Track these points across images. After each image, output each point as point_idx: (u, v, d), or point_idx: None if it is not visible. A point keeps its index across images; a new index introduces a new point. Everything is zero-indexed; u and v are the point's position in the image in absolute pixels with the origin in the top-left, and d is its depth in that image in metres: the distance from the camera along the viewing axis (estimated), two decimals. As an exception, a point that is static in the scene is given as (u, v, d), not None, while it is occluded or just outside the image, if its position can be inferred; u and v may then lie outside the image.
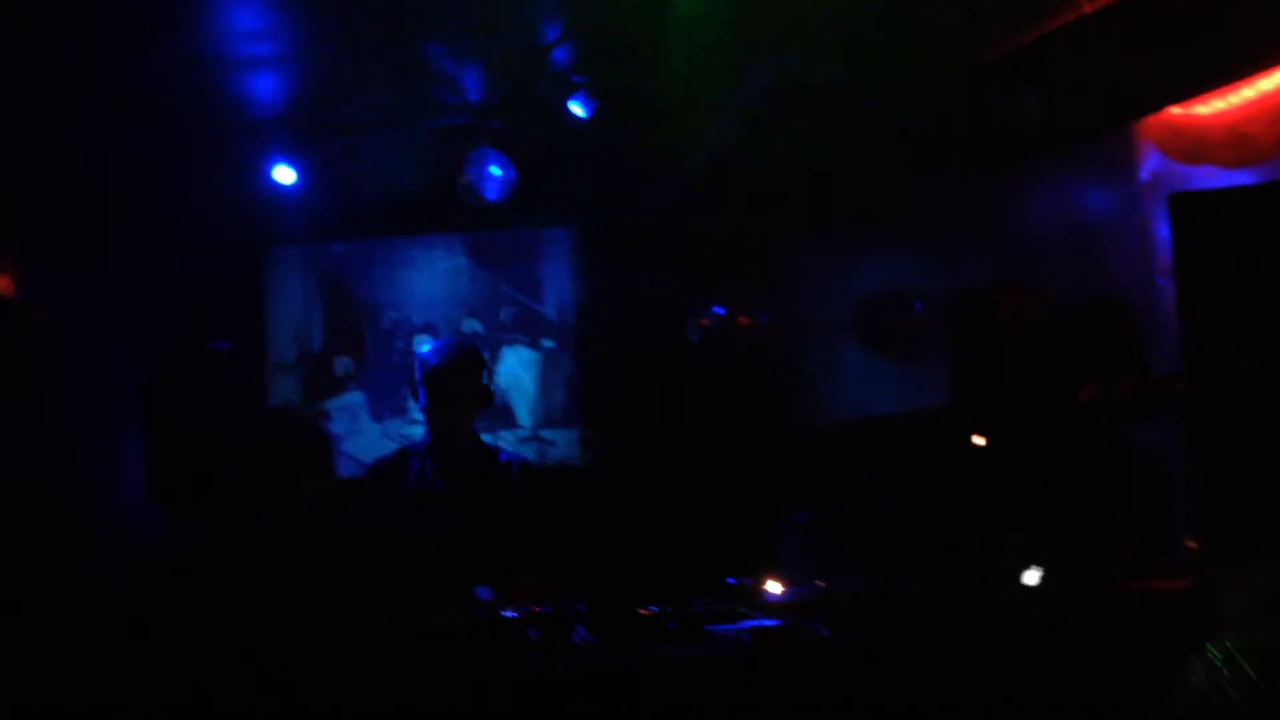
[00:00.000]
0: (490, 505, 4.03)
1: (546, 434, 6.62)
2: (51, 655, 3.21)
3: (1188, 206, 3.05)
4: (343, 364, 6.55)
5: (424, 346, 4.19)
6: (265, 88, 4.84)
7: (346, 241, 6.44)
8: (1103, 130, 4.19)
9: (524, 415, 6.63)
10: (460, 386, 4.04)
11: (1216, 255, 2.95)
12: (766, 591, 3.48)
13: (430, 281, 6.61)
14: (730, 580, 3.45)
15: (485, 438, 4.29)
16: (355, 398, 6.57)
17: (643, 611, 3.22)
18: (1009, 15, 4.01)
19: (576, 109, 5.07)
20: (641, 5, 4.26)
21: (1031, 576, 3.52)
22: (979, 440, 4.37)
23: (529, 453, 6.49)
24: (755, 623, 3.14)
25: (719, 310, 6.07)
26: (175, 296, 5.50)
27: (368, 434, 6.50)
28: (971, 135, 4.53)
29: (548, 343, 6.63)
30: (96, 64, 4.42)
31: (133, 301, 5.39)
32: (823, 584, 3.60)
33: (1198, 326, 2.97)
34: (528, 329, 6.62)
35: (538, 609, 3.32)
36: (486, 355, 4.28)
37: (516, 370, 6.64)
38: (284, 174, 5.10)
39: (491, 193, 5.46)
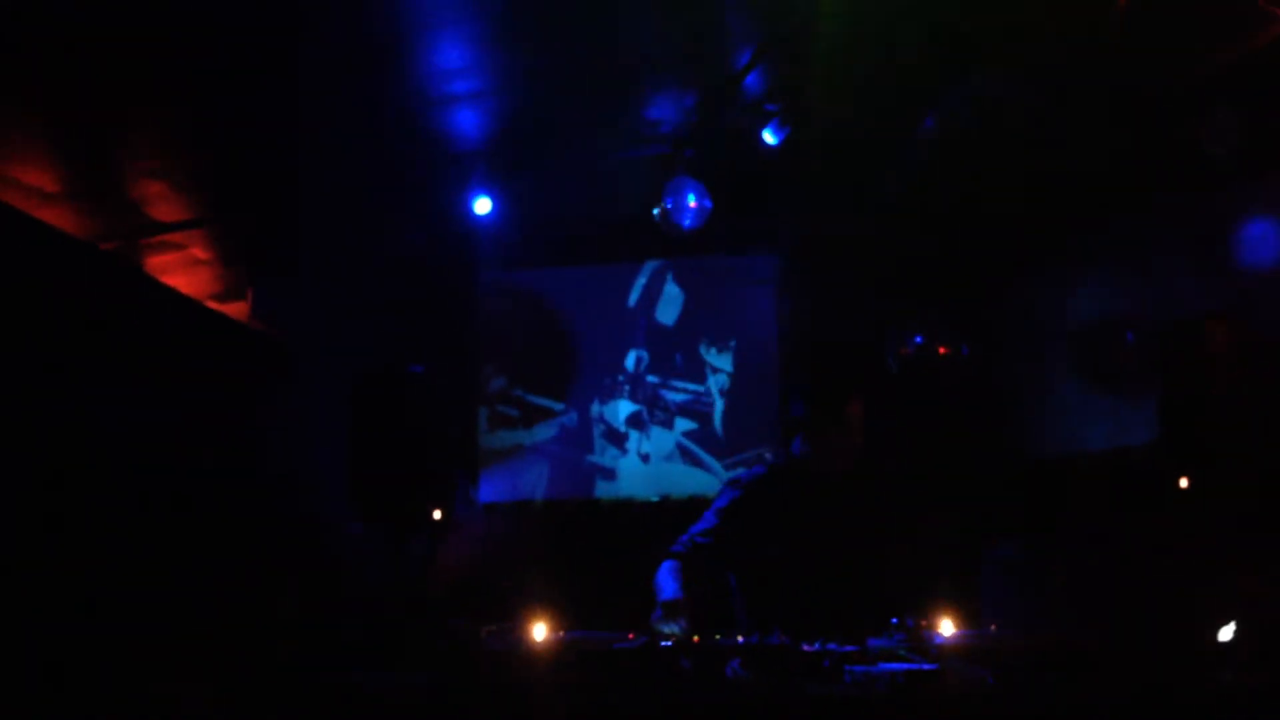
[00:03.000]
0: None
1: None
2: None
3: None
4: (547, 389, 6.73)
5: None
6: (468, 122, 5.07)
7: (549, 269, 6.63)
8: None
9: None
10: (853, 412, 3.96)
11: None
12: (934, 633, 3.36)
13: (635, 309, 6.73)
14: (894, 620, 3.35)
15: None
16: (556, 427, 6.72)
17: (802, 648, 3.19)
18: (1210, 32, 3.76)
19: (769, 137, 5.08)
20: (832, 31, 4.23)
21: (1227, 632, 3.27)
22: (1184, 481, 4.12)
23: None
24: (913, 665, 3.05)
25: (918, 340, 5.92)
26: (389, 319, 5.81)
27: (565, 464, 6.67)
28: (1179, 160, 4.27)
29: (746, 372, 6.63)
30: (317, 99, 4.73)
31: (348, 323, 5.73)
32: (995, 628, 3.45)
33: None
34: (728, 357, 6.64)
35: (696, 639, 3.34)
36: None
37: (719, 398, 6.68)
38: (483, 205, 5.32)
39: (688, 220, 5.52)
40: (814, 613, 3.46)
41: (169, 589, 4.10)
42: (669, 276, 6.69)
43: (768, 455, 4.22)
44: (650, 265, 6.68)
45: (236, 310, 6.17)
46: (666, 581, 3.81)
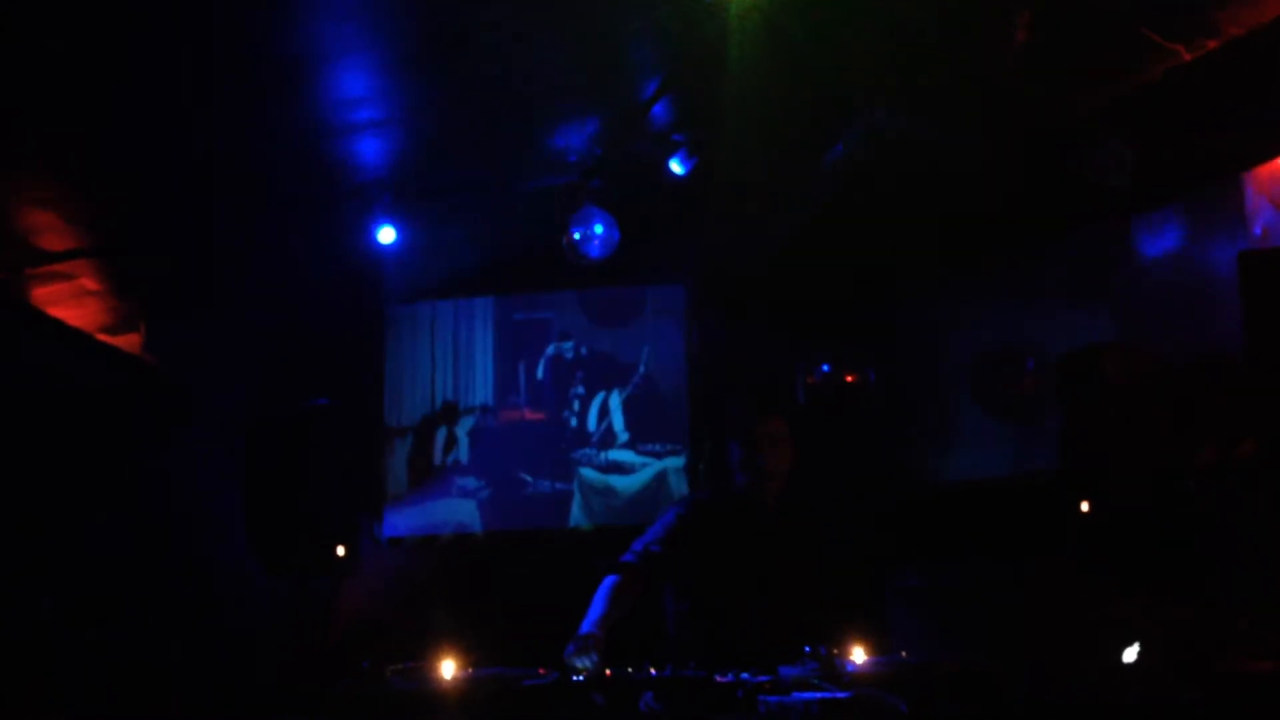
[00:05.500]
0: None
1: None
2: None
3: (1260, 264, 2.84)
4: (458, 423, 6.64)
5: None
6: (371, 151, 4.98)
7: (457, 300, 6.56)
8: (1210, 183, 3.99)
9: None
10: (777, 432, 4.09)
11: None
12: (847, 661, 3.36)
13: (540, 338, 6.68)
14: (807, 649, 3.34)
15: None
16: (465, 456, 6.64)
17: (715, 679, 3.16)
18: (1103, 66, 3.86)
19: (676, 166, 5.09)
20: (738, 63, 4.25)
21: (1131, 653, 3.32)
22: (1084, 506, 4.19)
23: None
24: (827, 695, 3.03)
25: (825, 369, 5.96)
26: (289, 353, 5.67)
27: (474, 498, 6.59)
28: (1075, 191, 4.37)
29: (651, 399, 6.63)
30: (212, 130, 4.62)
31: (246, 358, 5.58)
32: (906, 655, 3.46)
33: (1272, 392, 2.75)
34: (640, 389, 6.63)
35: (608, 673, 3.29)
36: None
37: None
38: (387, 234, 5.22)
39: (595, 251, 5.49)
40: (739, 638, 3.46)
41: (59, 639, 3.93)
42: (576, 305, 6.67)
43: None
44: (557, 295, 6.64)
45: (128, 342, 5.99)
46: (595, 606, 3.79)
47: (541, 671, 3.31)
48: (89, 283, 5.48)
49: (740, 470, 4.08)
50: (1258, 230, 3.85)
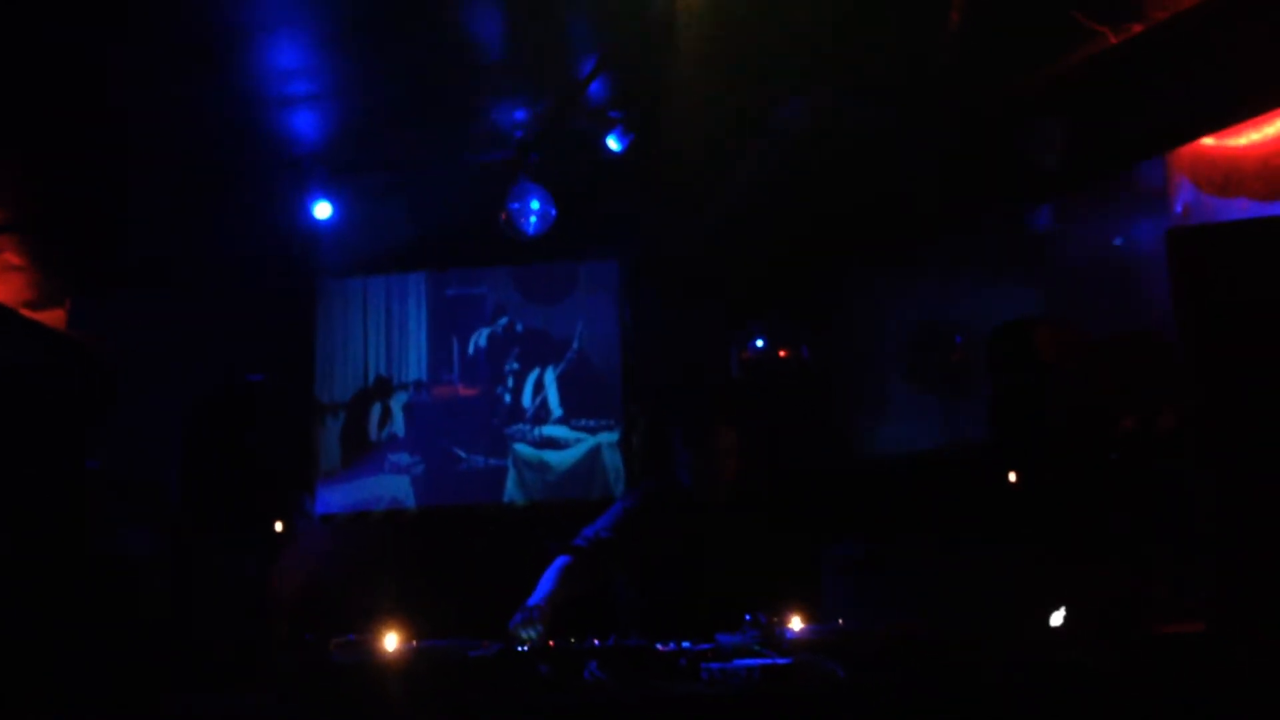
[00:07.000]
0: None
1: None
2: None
3: (1187, 240, 2.96)
4: (392, 399, 6.61)
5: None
6: (306, 124, 4.93)
7: (391, 275, 6.52)
8: (1134, 163, 4.12)
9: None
10: (728, 442, 4.23)
11: (1219, 292, 2.85)
12: (785, 628, 3.43)
13: (473, 314, 6.67)
14: (747, 617, 3.41)
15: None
16: (399, 432, 6.61)
17: (658, 648, 3.21)
18: (1033, 48, 3.96)
19: (612, 143, 5.10)
20: (675, 41, 4.27)
21: (1058, 617, 3.44)
22: (1014, 475, 4.31)
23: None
24: (768, 660, 3.10)
25: (759, 344, 6.04)
26: (219, 328, 5.60)
27: (408, 474, 6.58)
28: (1004, 170, 4.47)
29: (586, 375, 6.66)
30: (142, 100, 4.53)
31: (175, 333, 5.50)
32: (842, 622, 3.55)
33: (1201, 367, 2.86)
34: (574, 364, 6.65)
35: (552, 644, 3.33)
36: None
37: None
38: (323, 209, 5.17)
39: (532, 227, 5.49)
40: (683, 620, 3.53)
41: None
42: (510, 282, 6.66)
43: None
44: (491, 270, 6.62)
45: (52, 318, 5.87)
46: (544, 583, 3.85)
47: (485, 644, 3.33)
48: (12, 257, 5.37)
49: (689, 474, 4.19)
50: (1178, 208, 3.99)
